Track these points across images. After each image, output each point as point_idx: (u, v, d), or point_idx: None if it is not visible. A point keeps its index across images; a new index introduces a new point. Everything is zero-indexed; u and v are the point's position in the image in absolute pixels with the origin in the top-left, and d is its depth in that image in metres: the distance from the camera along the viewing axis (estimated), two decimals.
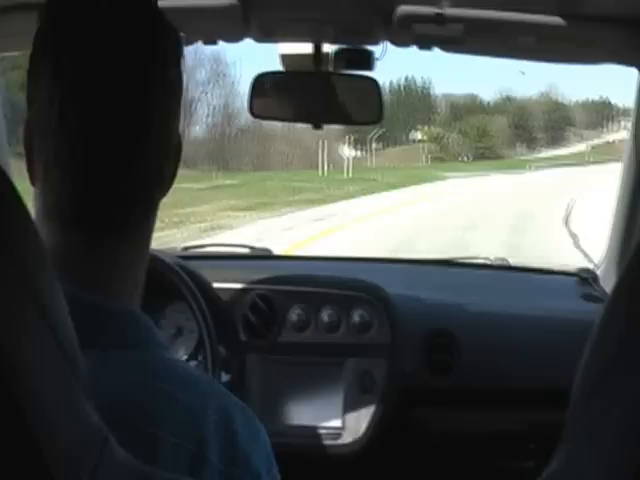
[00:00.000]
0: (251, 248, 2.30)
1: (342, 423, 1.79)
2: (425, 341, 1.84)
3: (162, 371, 0.73)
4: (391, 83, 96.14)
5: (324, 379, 1.82)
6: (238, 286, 1.87)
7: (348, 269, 2.09)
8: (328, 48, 1.69)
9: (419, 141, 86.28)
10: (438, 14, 1.49)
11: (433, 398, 1.85)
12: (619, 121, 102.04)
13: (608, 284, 1.95)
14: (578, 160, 57.18)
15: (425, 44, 1.59)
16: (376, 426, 1.79)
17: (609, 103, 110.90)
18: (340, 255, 2.40)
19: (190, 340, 1.73)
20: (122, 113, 0.71)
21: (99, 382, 0.62)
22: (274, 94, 1.72)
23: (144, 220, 0.76)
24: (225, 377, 1.70)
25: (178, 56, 0.77)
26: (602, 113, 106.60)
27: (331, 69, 1.70)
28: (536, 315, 1.92)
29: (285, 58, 1.74)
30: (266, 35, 1.65)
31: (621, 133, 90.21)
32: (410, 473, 1.91)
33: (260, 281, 1.89)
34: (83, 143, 0.71)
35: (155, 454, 0.66)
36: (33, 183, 0.75)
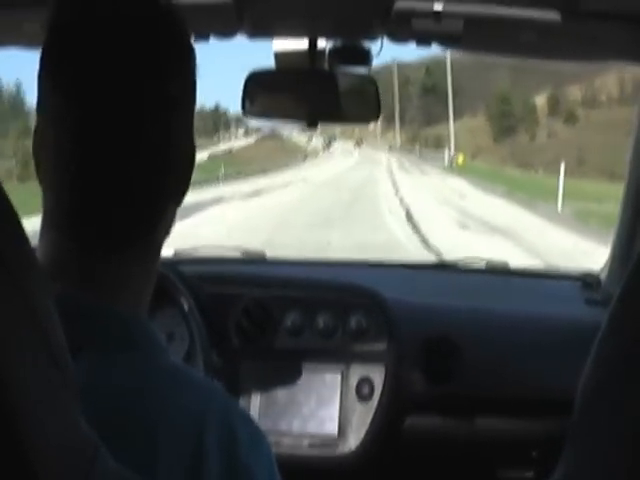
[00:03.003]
0: (244, 252, 2.26)
1: (339, 432, 1.75)
2: (424, 347, 1.80)
3: (164, 375, 0.72)
4: None
5: (320, 387, 1.78)
6: (231, 291, 1.83)
7: (344, 274, 2.05)
8: (323, 45, 1.66)
9: None
10: (437, 10, 1.46)
11: (432, 405, 1.81)
12: (236, 129, 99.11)
13: (612, 288, 1.91)
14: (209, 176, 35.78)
15: (423, 40, 1.56)
16: (374, 434, 1.75)
17: (224, 111, 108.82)
18: (335, 259, 2.36)
19: (181, 346, 1.68)
20: (116, 128, 0.71)
21: (99, 383, 0.65)
22: (268, 92, 1.69)
23: (150, 231, 0.75)
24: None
25: (185, 67, 0.75)
26: (218, 121, 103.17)
27: (326, 67, 1.67)
28: (538, 320, 1.88)
29: (279, 56, 1.70)
30: (260, 31, 1.62)
31: (239, 141, 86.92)
32: None
33: (253, 285, 1.85)
34: (78, 156, 0.71)
35: (153, 459, 0.65)
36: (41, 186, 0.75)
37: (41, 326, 0.47)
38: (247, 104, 1.67)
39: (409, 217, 16.02)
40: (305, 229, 13.12)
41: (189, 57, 0.75)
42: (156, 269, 0.79)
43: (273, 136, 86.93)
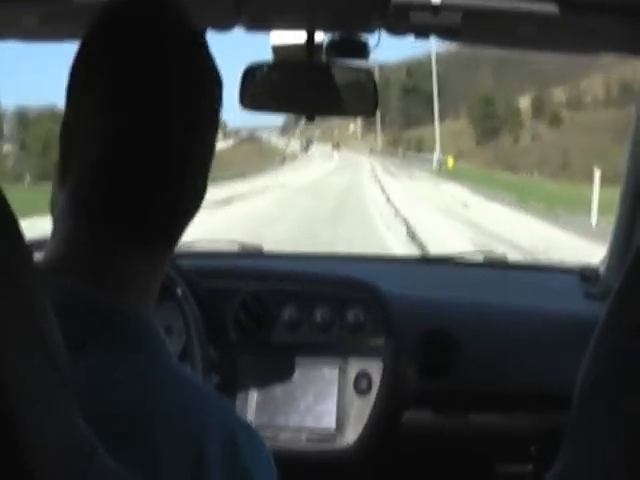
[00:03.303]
0: (241, 246, 2.25)
1: (337, 426, 1.75)
2: (422, 342, 1.79)
3: (165, 378, 0.72)
4: None
5: (318, 381, 1.78)
6: (228, 285, 1.83)
7: (341, 268, 2.04)
8: (321, 38, 1.65)
9: None
10: (435, 3, 1.46)
11: (430, 400, 1.80)
12: None
13: (611, 282, 1.91)
14: None
15: (422, 33, 1.56)
16: (372, 429, 1.74)
17: None
18: (333, 253, 2.35)
19: (179, 340, 1.67)
20: (151, 127, 0.72)
21: (101, 382, 0.65)
22: (266, 85, 1.68)
23: (171, 230, 0.77)
24: (215, 378, 1.65)
25: (214, 73, 0.78)
26: None
27: (324, 60, 1.66)
28: (537, 314, 1.88)
29: (277, 49, 1.69)
30: (258, 24, 1.61)
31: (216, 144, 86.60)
32: (406, 478, 1.86)
33: (251, 279, 1.85)
34: (111, 151, 0.71)
35: (154, 461, 0.65)
36: (61, 180, 0.75)
37: (38, 325, 0.47)
38: (245, 96, 1.66)
39: (411, 234, 13.00)
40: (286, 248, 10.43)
41: (215, 64, 0.78)
42: (165, 265, 0.79)
43: (251, 139, 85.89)
